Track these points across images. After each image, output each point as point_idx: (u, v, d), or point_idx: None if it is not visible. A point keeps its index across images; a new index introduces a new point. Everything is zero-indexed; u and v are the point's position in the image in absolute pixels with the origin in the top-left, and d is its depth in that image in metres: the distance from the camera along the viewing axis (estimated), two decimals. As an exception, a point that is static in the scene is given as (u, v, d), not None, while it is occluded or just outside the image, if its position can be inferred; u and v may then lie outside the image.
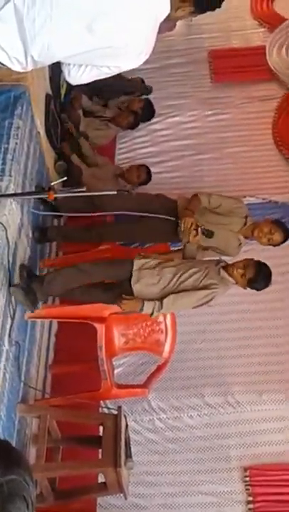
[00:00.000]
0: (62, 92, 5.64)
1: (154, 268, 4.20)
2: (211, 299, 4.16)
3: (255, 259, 4.24)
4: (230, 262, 4.36)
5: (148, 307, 4.06)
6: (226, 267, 4.25)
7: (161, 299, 4.09)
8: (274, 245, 4.62)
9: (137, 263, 4.24)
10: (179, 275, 4.15)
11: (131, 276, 4.19)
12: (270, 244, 4.61)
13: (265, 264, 4.21)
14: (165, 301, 4.06)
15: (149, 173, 5.70)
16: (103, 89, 6.31)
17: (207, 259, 4.50)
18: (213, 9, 2.52)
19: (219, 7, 2.52)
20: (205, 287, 4.14)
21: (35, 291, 4.14)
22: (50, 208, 4.87)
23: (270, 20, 7.76)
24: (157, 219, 4.75)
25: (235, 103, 7.03)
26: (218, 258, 4.43)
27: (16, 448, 1.22)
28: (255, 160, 6.49)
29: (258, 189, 6.02)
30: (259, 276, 4.15)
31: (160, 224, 4.79)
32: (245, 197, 5.69)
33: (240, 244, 4.74)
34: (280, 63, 7.19)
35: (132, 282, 4.17)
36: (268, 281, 4.21)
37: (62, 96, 5.77)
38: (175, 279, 4.14)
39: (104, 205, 4.87)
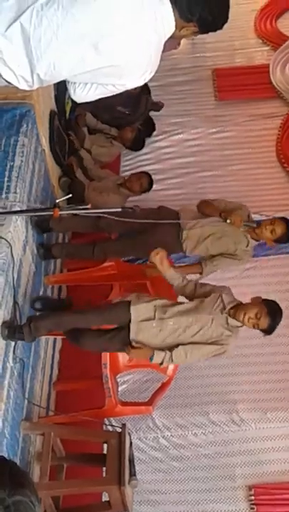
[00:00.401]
0: (68, 109, 5.68)
1: (153, 319, 3.94)
2: (224, 352, 3.99)
3: (263, 297, 4.02)
4: (236, 299, 4.08)
5: (158, 357, 3.88)
6: (235, 311, 3.94)
7: (168, 348, 3.90)
8: (279, 239, 4.63)
9: (134, 312, 3.96)
10: (182, 329, 3.91)
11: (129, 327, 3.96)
12: (275, 241, 4.63)
13: (276, 306, 3.97)
14: (175, 353, 3.86)
15: (150, 180, 5.71)
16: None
17: (212, 292, 4.13)
18: (215, 30, 2.56)
19: (221, 28, 2.56)
20: (214, 343, 3.95)
21: (22, 333, 3.99)
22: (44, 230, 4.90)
23: (273, 39, 7.83)
24: (160, 231, 4.75)
25: (239, 121, 7.07)
26: (223, 297, 4.04)
27: (22, 469, 1.21)
28: (259, 177, 6.51)
29: (262, 206, 6.02)
30: (273, 327, 3.92)
31: (163, 236, 4.77)
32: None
33: (248, 244, 4.70)
34: (283, 81, 7.24)
35: (131, 336, 3.95)
36: (279, 323, 3.97)
37: (68, 113, 5.80)
38: (177, 333, 3.92)
39: (108, 226, 4.91)
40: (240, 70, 7.61)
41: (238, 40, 7.90)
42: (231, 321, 3.94)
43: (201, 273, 4.79)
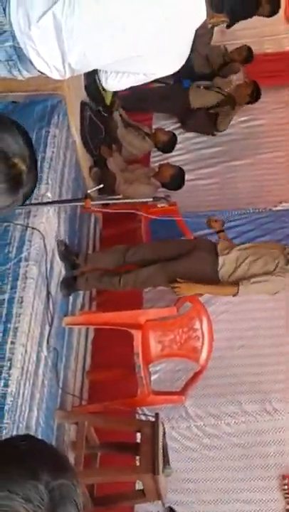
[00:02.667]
0: (108, 98, 5.65)
1: None
2: None
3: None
4: None
5: None
6: None
7: None
8: None
9: None
10: None
11: None
12: None
13: None
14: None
15: (182, 175, 5.66)
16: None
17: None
18: (245, 18, 2.58)
19: (251, 17, 2.59)
20: None
21: None
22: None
23: (303, 26, 7.72)
24: (198, 258, 4.40)
25: (269, 108, 6.99)
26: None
27: (62, 453, 1.22)
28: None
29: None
30: None
31: (201, 264, 4.39)
32: (281, 202, 5.66)
33: (288, 262, 4.29)
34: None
35: None
36: None
37: (109, 101, 5.76)
38: None
39: (135, 255, 4.62)
40: (269, 57, 7.52)
41: (267, 26, 7.73)
42: None
43: (236, 294, 4.26)
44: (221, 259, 4.35)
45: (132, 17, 2.36)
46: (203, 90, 6.43)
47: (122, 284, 4.55)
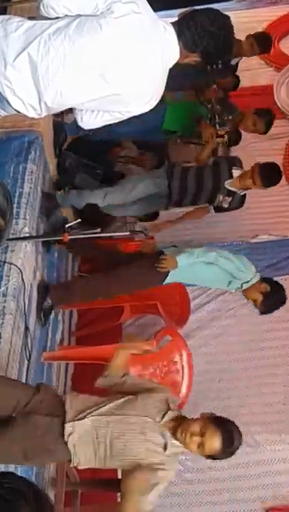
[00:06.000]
0: None
1: None
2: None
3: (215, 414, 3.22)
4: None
5: None
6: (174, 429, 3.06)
7: None
8: None
9: None
10: None
11: None
12: None
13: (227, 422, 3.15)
14: None
15: None
16: None
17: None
18: (217, 63, 2.63)
19: (227, 56, 2.65)
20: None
21: None
22: None
23: (277, 60, 7.87)
24: None
25: (244, 143, 7.07)
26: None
27: (44, 492, 1.23)
28: (267, 197, 6.50)
29: (273, 223, 6.04)
30: (223, 450, 3.02)
31: None
32: (257, 235, 5.71)
33: None
34: (288, 101, 7.28)
35: None
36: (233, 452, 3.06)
37: None
38: None
39: None
40: (244, 91, 7.63)
41: (241, 62, 7.92)
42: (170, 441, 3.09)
43: None
44: None
45: (108, 58, 2.41)
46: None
47: None
